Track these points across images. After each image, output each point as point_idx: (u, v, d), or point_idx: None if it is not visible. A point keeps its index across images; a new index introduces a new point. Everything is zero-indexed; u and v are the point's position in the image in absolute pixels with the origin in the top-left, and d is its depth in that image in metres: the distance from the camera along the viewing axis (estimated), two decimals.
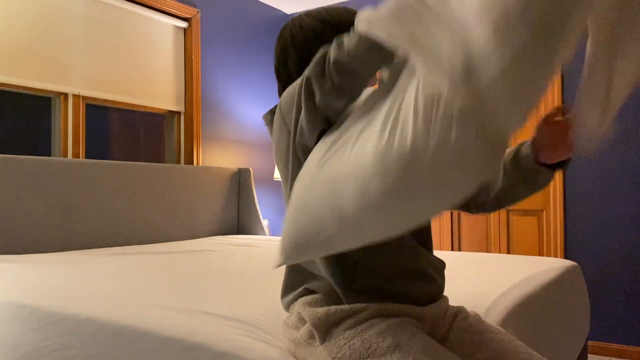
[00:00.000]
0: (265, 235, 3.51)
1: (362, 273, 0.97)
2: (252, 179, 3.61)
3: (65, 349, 1.33)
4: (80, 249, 2.59)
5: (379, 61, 0.87)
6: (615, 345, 3.10)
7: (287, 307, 1.06)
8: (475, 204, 1.17)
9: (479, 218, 3.56)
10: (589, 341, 3.18)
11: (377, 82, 0.93)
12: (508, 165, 1.10)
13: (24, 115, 2.91)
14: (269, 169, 4.17)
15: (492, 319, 1.33)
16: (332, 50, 0.89)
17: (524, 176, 1.07)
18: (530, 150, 1.06)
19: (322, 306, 0.96)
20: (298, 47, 1.11)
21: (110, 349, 1.25)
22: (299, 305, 1.00)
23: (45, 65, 2.72)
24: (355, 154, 0.78)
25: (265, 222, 3.82)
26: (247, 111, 3.96)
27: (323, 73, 0.90)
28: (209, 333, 1.14)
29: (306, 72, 0.93)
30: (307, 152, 0.96)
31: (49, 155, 2.86)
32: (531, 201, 3.37)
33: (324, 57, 0.90)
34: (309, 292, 1.01)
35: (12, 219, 2.35)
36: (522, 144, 1.09)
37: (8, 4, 2.57)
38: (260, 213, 3.60)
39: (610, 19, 0.78)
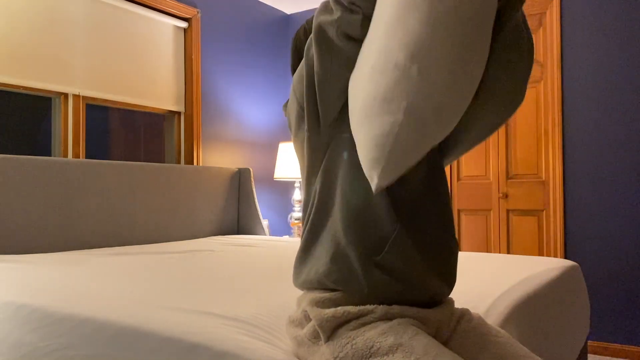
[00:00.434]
0: (265, 235, 3.50)
1: (394, 246, 0.94)
2: (252, 179, 3.61)
3: (65, 349, 1.33)
4: (80, 249, 2.59)
5: None
6: (615, 345, 3.10)
7: (302, 286, 1.03)
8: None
9: (480, 218, 3.55)
10: (589, 341, 3.18)
11: None
12: None
13: (24, 115, 2.91)
14: (269, 169, 4.17)
15: (493, 319, 1.33)
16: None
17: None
18: None
19: (329, 307, 0.96)
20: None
21: (110, 349, 1.25)
22: (306, 303, 0.99)
23: (46, 65, 2.72)
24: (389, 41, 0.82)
25: (265, 222, 3.82)
26: (247, 111, 3.96)
27: (331, 12, 0.93)
28: (209, 333, 1.14)
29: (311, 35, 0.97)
30: (317, 119, 0.99)
31: (49, 155, 2.86)
32: (531, 201, 3.37)
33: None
34: (319, 285, 0.99)
35: (12, 219, 2.35)
36: None
37: (8, 3, 2.57)
38: (260, 213, 3.60)
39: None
